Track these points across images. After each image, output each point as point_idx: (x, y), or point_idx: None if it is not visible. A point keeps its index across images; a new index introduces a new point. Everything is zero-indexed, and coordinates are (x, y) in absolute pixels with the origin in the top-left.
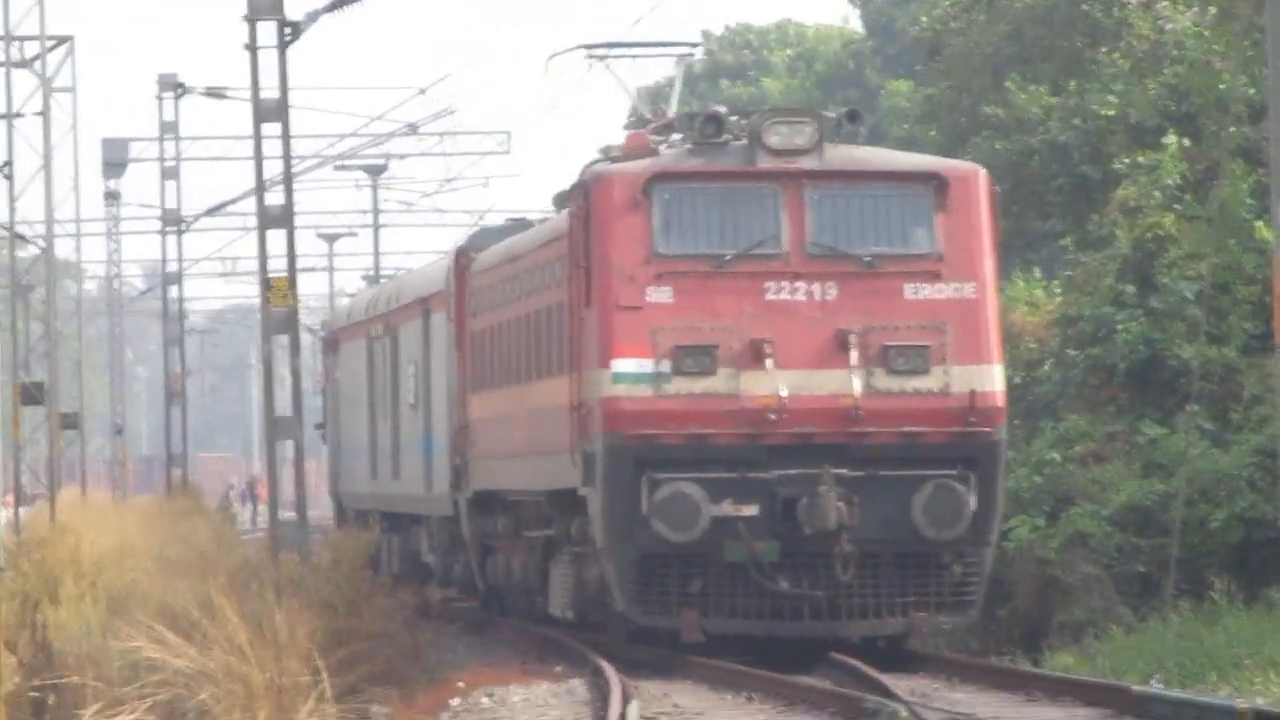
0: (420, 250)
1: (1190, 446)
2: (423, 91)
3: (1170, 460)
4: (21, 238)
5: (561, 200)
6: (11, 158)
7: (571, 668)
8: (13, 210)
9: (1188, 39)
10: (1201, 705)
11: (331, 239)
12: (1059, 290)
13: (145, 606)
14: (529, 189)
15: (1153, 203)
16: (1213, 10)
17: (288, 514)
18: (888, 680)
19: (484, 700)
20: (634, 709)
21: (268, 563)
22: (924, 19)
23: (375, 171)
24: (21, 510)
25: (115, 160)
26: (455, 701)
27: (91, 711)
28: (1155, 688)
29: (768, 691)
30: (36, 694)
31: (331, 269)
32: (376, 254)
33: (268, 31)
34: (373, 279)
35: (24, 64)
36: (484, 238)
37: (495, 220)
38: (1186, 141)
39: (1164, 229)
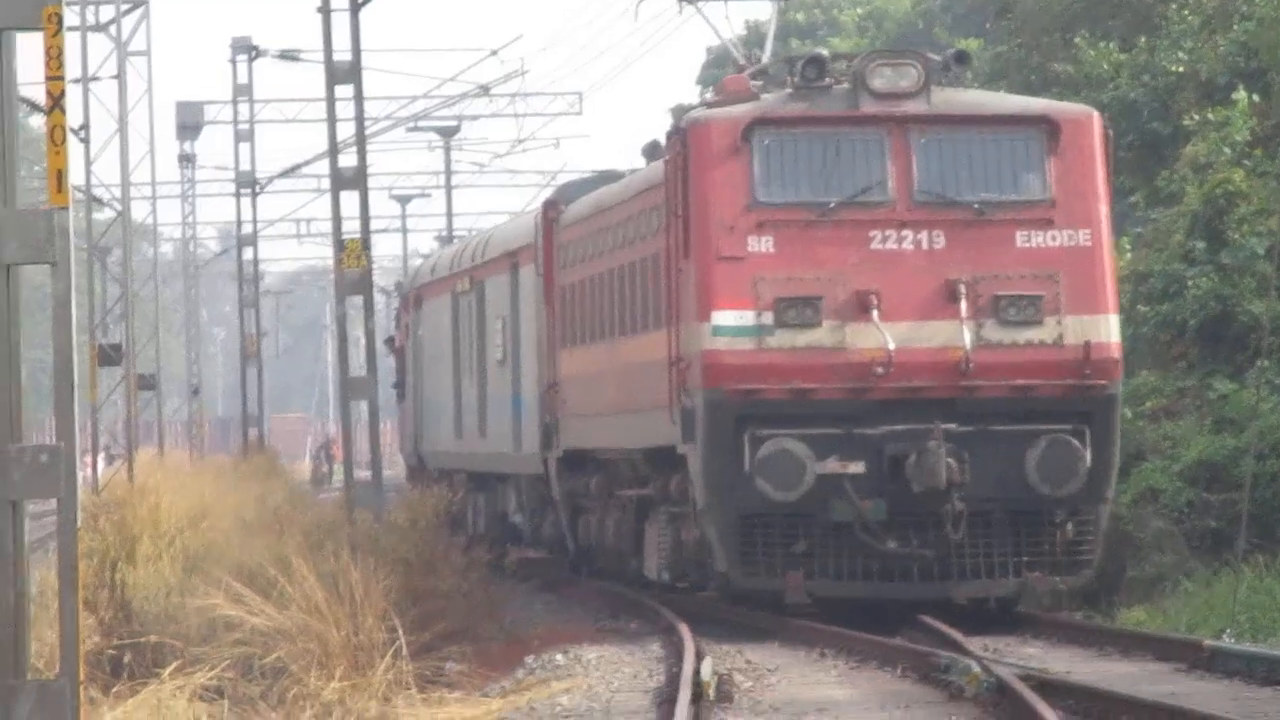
0: (493, 211)
1: (1261, 402)
2: (494, 53)
3: (1241, 415)
4: (98, 201)
5: (651, 151)
6: (88, 121)
7: (645, 625)
8: (89, 173)
9: None
10: (1274, 659)
11: (405, 200)
12: (1129, 247)
13: (222, 566)
14: (600, 149)
15: (1222, 159)
16: None
17: (362, 473)
18: (959, 636)
19: (558, 658)
20: (707, 665)
21: (343, 521)
22: None
23: (448, 133)
24: (101, 470)
25: (190, 123)
26: (530, 659)
27: (169, 670)
28: (1227, 642)
29: (840, 648)
30: (115, 652)
31: (405, 230)
32: (450, 215)
33: None
34: (446, 239)
35: (100, 28)
36: (572, 190)
37: (566, 179)
38: (1256, 98)
39: (1234, 185)
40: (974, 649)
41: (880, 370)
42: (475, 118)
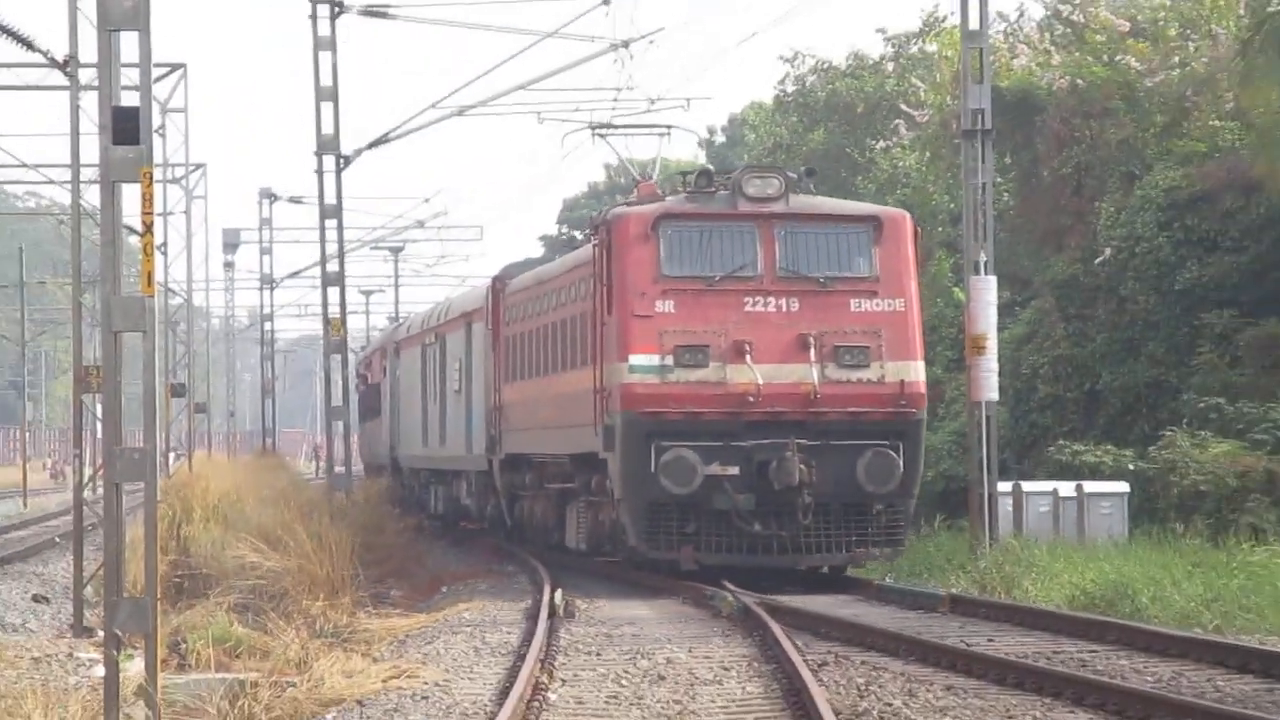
0: (424, 300)
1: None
2: (426, 200)
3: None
4: (171, 291)
5: (568, 247)
6: (166, 240)
7: (519, 568)
8: (166, 274)
9: (912, 171)
10: (917, 592)
11: (368, 293)
12: None
13: (247, 526)
14: (495, 262)
15: None
16: (928, 154)
17: (338, 468)
18: (727, 581)
19: (462, 588)
20: (558, 594)
21: (325, 499)
22: (745, 157)
23: (396, 250)
24: (171, 464)
25: (231, 242)
26: (444, 589)
27: (215, 593)
28: (889, 581)
29: (644, 585)
30: (179, 580)
31: (368, 313)
32: (397, 303)
33: (329, 161)
34: (394, 319)
35: (174, 181)
36: (513, 269)
37: (475, 282)
38: None
39: None
40: (731, 587)
41: (751, 399)
42: (414, 241)
